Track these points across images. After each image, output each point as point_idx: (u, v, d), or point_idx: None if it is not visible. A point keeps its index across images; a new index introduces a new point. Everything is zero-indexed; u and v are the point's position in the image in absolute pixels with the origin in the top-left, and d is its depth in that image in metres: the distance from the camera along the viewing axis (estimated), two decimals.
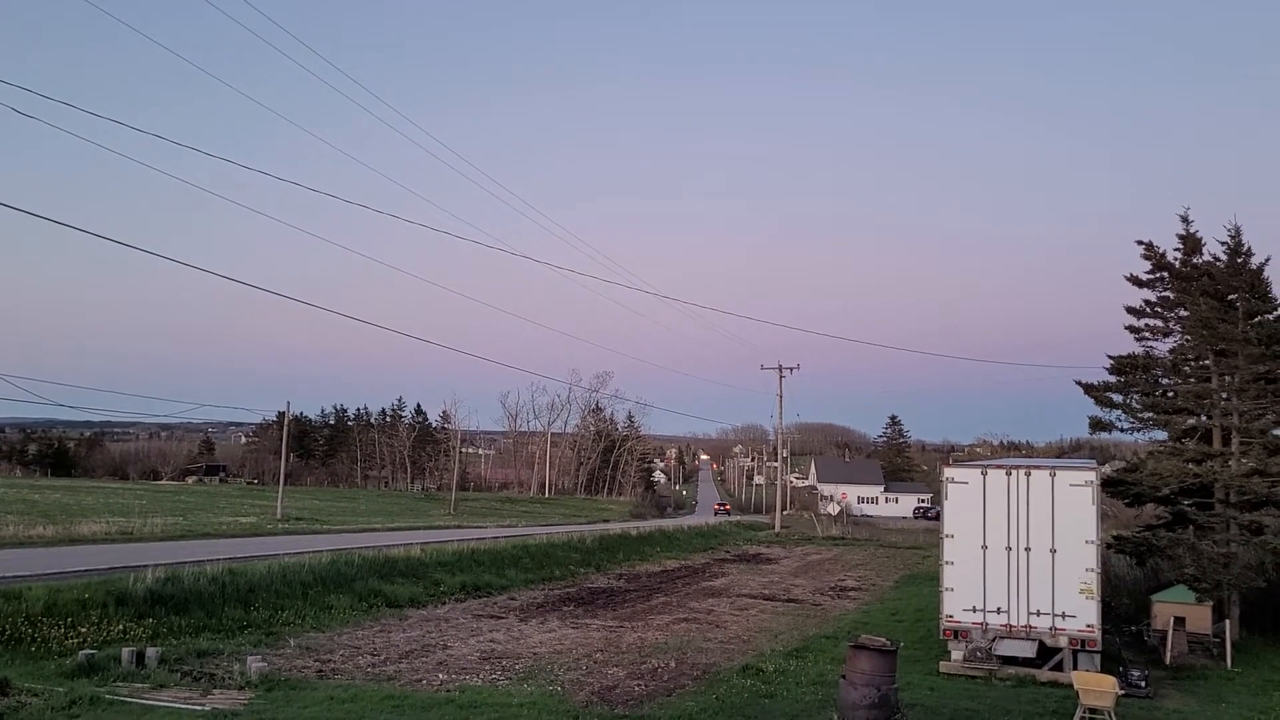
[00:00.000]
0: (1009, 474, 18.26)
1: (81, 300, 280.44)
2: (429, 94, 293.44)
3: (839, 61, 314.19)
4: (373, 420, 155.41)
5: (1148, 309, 25.14)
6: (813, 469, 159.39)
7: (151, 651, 15.05)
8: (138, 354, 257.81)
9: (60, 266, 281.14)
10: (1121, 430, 25.58)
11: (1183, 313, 24.48)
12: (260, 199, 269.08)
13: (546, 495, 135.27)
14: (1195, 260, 24.44)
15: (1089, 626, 17.36)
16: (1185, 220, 24.71)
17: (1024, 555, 17.84)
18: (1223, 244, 24.14)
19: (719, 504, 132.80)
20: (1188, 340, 24.60)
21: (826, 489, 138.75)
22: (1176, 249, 24.73)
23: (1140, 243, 25.03)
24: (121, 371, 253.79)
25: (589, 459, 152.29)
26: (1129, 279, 25.29)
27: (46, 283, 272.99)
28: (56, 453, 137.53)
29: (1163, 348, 25.22)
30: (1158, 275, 24.97)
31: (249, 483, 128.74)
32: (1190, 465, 23.35)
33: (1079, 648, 17.35)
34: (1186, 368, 24.98)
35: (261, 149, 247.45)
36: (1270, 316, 23.74)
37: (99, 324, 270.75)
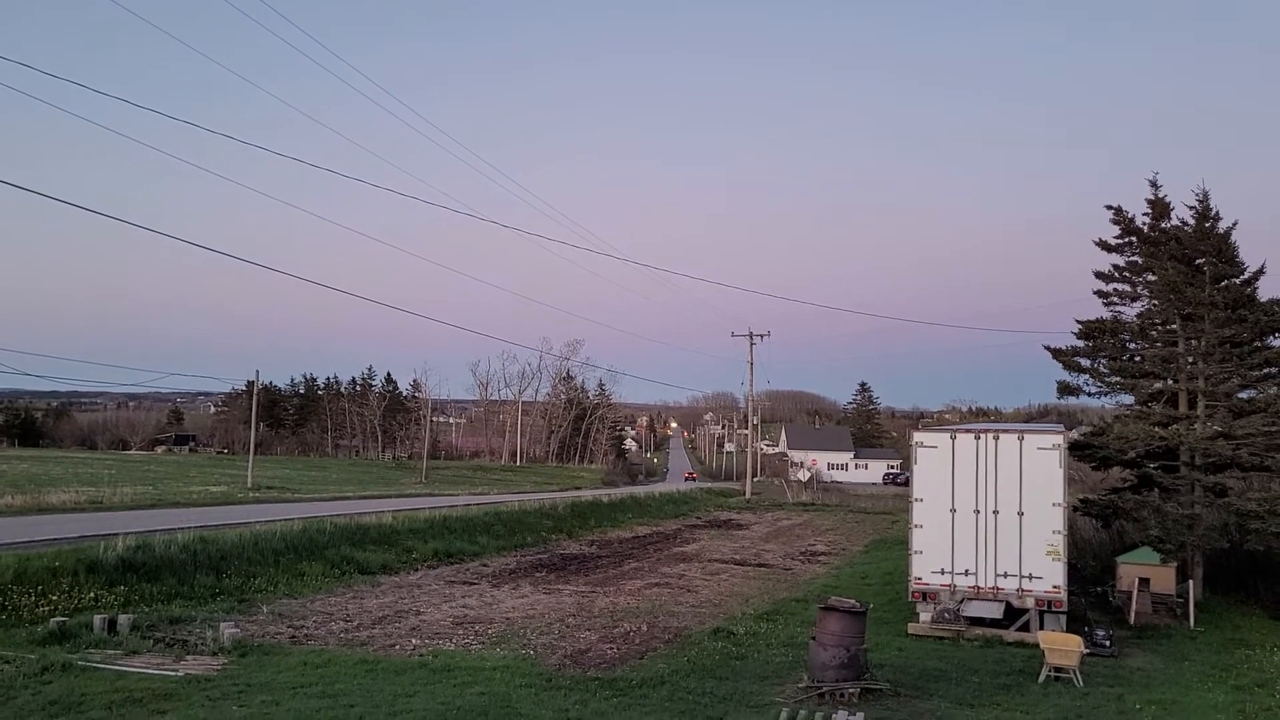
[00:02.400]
0: (977, 438, 18.40)
1: (47, 268, 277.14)
2: (394, 58, 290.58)
3: (810, 32, 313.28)
4: (343, 389, 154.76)
5: (1116, 273, 25.32)
6: (783, 436, 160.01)
7: (124, 619, 15.01)
8: (105, 323, 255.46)
9: (25, 233, 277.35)
10: (1089, 394, 25.85)
11: (1150, 277, 24.67)
12: (226, 164, 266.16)
13: (518, 463, 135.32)
14: (1164, 225, 24.61)
15: (1055, 588, 17.57)
16: (1154, 185, 24.87)
17: (992, 518, 18.02)
18: (1191, 208, 24.31)
19: (689, 473, 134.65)
20: (1155, 305, 24.82)
21: (797, 456, 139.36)
22: (1145, 213, 24.90)
23: (1109, 207, 25.22)
24: (89, 341, 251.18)
25: (560, 427, 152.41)
26: (1098, 244, 25.45)
27: (11, 251, 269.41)
28: (23, 423, 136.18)
29: (1130, 312, 25.47)
30: (1126, 240, 25.13)
31: (219, 452, 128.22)
32: (1156, 429, 23.61)
33: (1045, 608, 17.57)
34: (1154, 332, 25.21)
35: (227, 113, 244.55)
36: (1237, 280, 23.96)
37: (65, 292, 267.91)
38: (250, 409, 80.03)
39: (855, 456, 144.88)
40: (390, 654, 14.41)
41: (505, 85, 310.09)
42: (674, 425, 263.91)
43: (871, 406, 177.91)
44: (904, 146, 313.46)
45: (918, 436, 19.32)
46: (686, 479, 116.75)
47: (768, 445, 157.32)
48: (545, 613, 18.83)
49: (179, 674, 12.30)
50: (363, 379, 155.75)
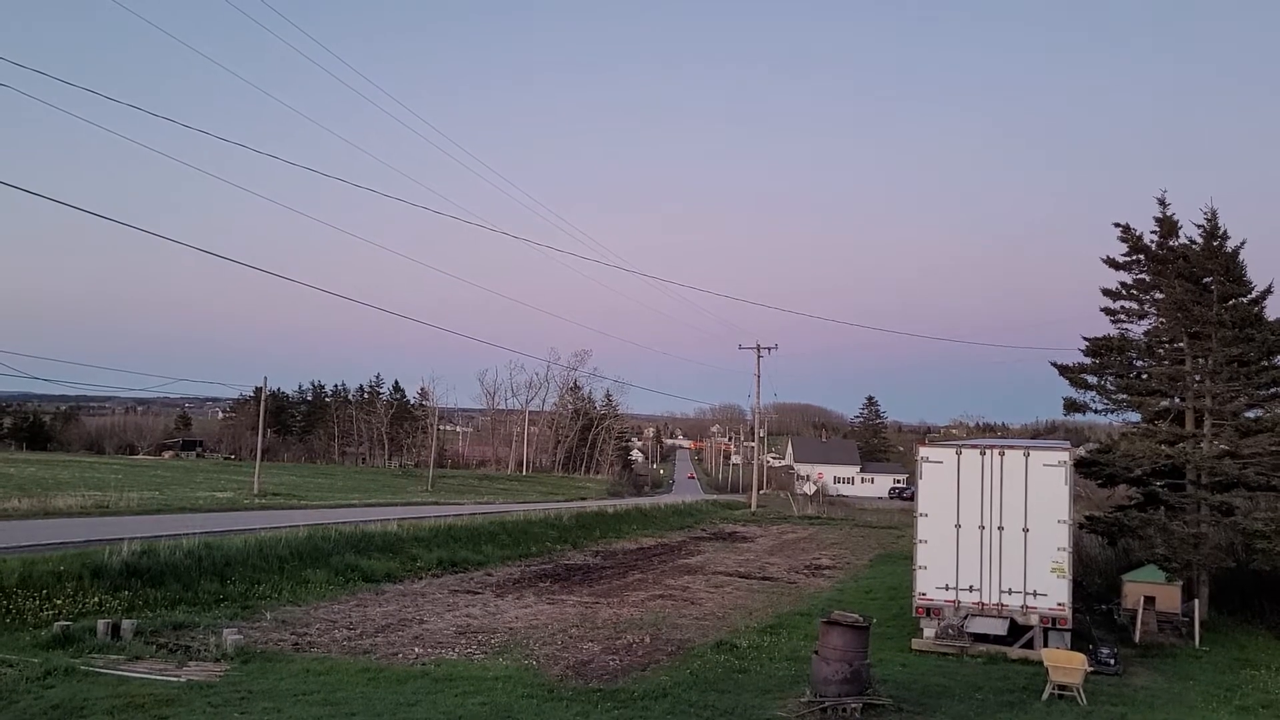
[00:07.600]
0: (983, 454, 18.38)
1: (57, 273, 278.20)
2: (404, 67, 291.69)
3: (820, 45, 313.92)
4: (350, 397, 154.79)
5: (1123, 291, 25.29)
6: (790, 449, 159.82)
7: (127, 624, 15.03)
8: (114, 328, 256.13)
9: (34, 238, 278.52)
10: (1096, 411, 25.79)
11: (1158, 295, 24.64)
12: (237, 172, 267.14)
13: (524, 473, 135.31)
14: (1171, 243, 24.57)
15: (1060, 605, 17.53)
16: (1162, 203, 24.84)
17: (997, 534, 17.99)
18: (1199, 227, 24.28)
19: (690, 474, 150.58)
20: (1162, 323, 24.77)
21: (803, 469, 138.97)
22: (1153, 231, 24.86)
23: (1117, 225, 25.19)
24: (98, 345, 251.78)
25: (567, 437, 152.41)
26: (1106, 261, 25.42)
27: (21, 255, 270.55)
28: (31, 426, 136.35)
29: (1138, 330, 25.41)
30: (1134, 258, 25.10)
31: (226, 458, 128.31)
32: (1163, 447, 23.55)
33: (1050, 626, 17.52)
34: (1161, 350, 25.16)
35: (236, 121, 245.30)
36: (1244, 299, 23.91)
37: (75, 297, 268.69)
38: (258, 415, 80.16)
39: (861, 470, 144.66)
40: (393, 662, 14.42)
41: (509, 93, 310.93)
42: (680, 436, 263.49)
43: (878, 420, 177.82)
44: (913, 159, 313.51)
45: (924, 451, 19.29)
46: (689, 478, 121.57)
47: (774, 458, 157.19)
48: (548, 623, 18.82)
49: (181, 680, 12.32)
50: (370, 387, 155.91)
